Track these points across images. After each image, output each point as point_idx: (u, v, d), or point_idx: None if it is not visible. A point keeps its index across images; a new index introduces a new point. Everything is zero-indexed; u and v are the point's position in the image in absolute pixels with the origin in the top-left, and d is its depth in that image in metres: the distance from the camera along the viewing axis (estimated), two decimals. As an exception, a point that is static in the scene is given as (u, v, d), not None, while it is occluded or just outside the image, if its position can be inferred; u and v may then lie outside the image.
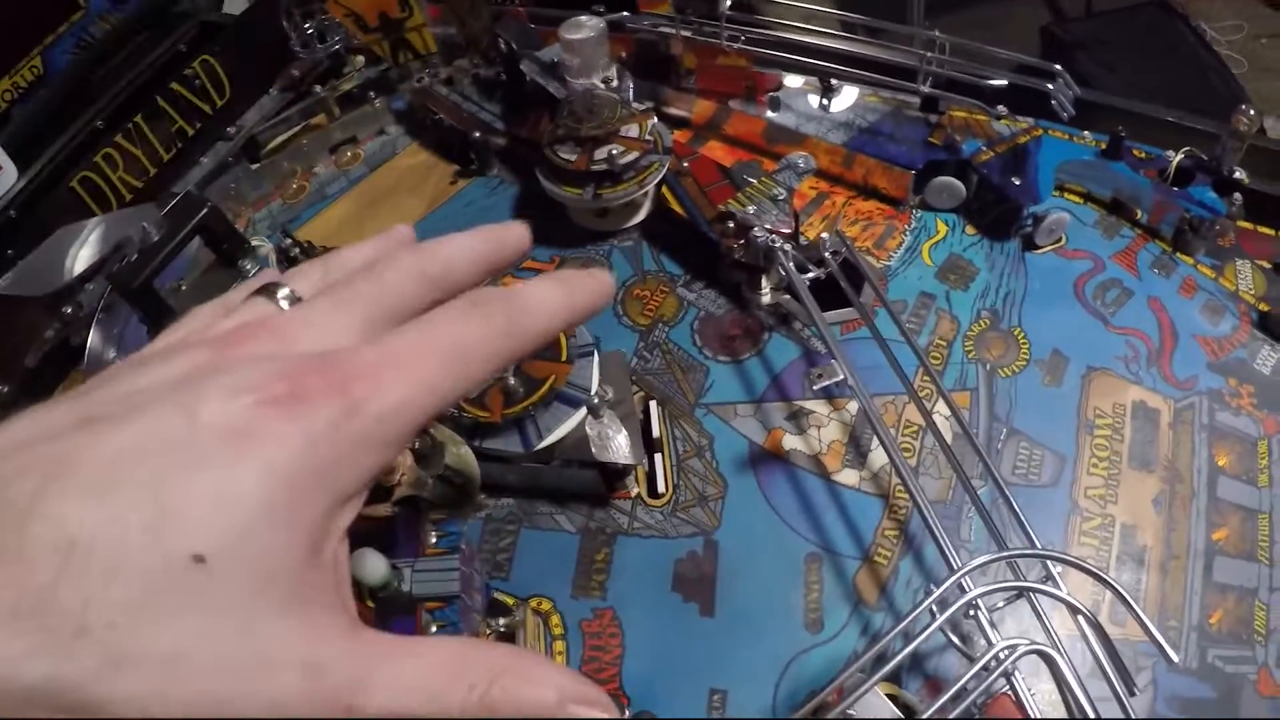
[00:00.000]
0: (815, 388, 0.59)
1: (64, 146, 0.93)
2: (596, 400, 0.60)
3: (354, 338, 0.26)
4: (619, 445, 0.59)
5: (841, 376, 0.59)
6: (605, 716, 0.25)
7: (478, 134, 0.80)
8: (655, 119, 0.73)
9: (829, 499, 0.63)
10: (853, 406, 0.66)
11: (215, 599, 0.20)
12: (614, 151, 0.69)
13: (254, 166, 0.88)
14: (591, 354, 0.62)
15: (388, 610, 0.49)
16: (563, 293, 0.29)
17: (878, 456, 0.64)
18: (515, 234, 0.32)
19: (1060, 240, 0.74)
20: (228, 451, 0.21)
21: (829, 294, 0.69)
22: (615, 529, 0.63)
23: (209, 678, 0.20)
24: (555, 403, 0.61)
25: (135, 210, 0.79)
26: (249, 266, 0.69)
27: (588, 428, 0.59)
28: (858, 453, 0.64)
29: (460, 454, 0.59)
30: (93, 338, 0.83)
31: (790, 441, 0.65)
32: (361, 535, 0.51)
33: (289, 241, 0.75)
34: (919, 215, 0.74)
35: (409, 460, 0.57)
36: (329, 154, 0.90)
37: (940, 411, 0.65)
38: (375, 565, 0.48)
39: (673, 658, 0.58)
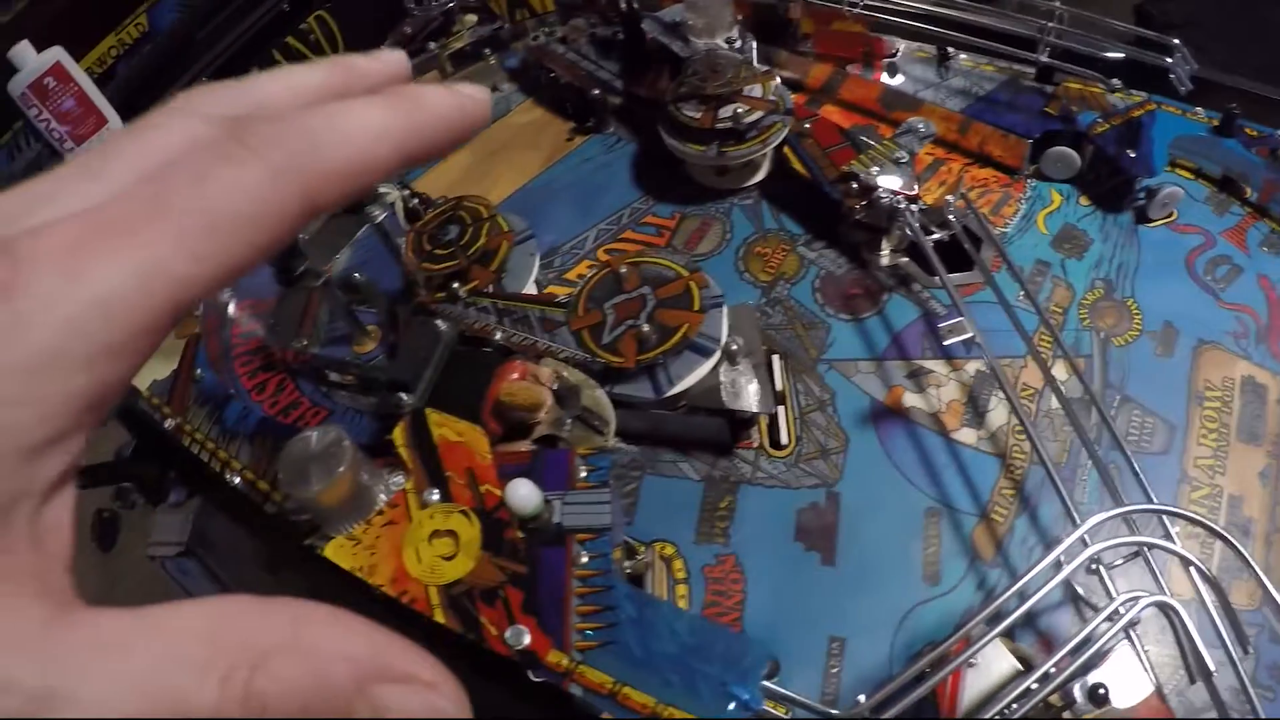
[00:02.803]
0: (945, 342, 0.60)
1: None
2: (733, 349, 0.62)
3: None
4: (750, 393, 0.61)
5: (971, 334, 0.60)
6: (420, 691, 0.19)
7: (597, 91, 0.81)
8: (778, 80, 0.74)
9: (948, 456, 0.64)
10: (970, 367, 0.67)
11: None
12: (739, 110, 0.71)
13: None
14: (721, 305, 0.63)
15: (538, 541, 0.50)
16: (392, 119, 0.21)
17: (995, 417, 0.65)
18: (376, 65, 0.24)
19: (1172, 215, 0.75)
20: None
21: (946, 257, 0.70)
22: (738, 478, 0.64)
23: None
24: (686, 351, 0.63)
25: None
26: (376, 213, 0.71)
27: (721, 374, 0.61)
28: (975, 412, 0.66)
29: (596, 396, 0.61)
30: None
31: (910, 399, 0.66)
32: (510, 469, 0.53)
33: (407, 193, 0.76)
34: (1033, 184, 0.75)
35: (549, 399, 0.59)
36: None
37: (1057, 375, 0.66)
38: (527, 495, 0.50)
39: (793, 604, 0.60)
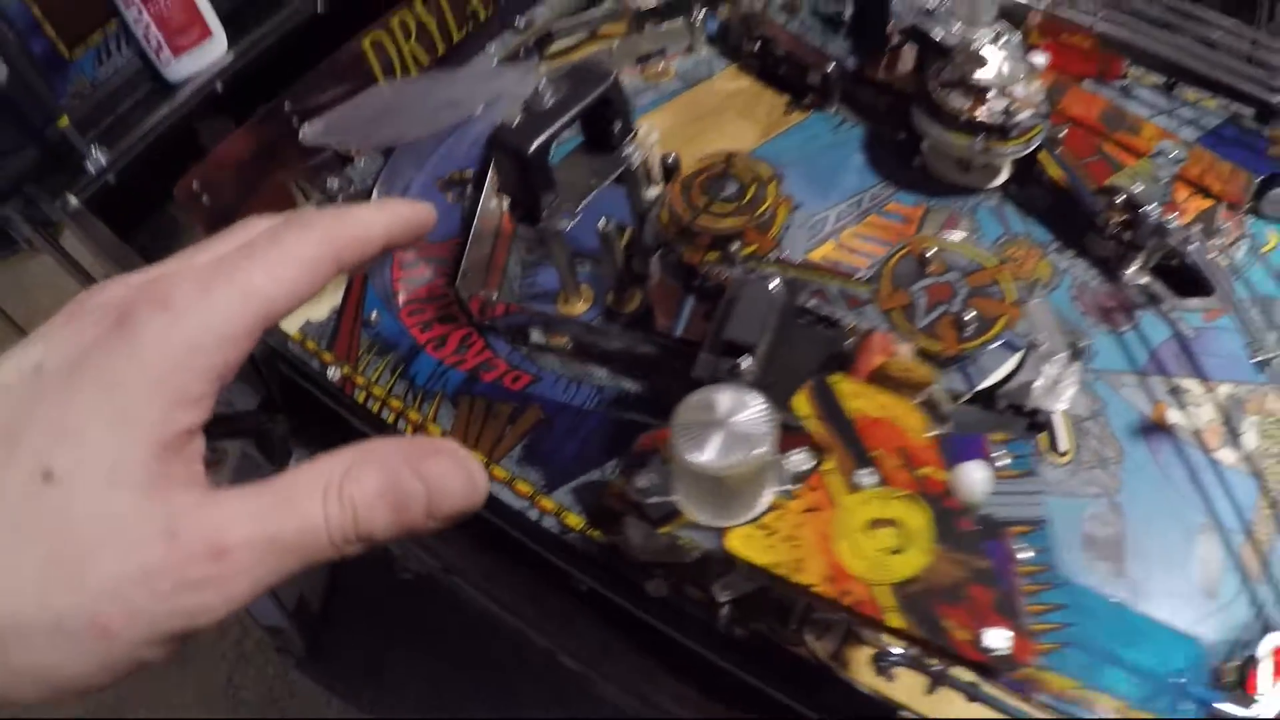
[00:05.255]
0: (1253, 360, 0.61)
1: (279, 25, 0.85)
2: (1041, 346, 0.60)
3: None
4: (1067, 394, 0.59)
5: (1276, 354, 0.61)
6: (453, 460, 0.28)
7: (830, 68, 0.78)
8: (1040, 80, 0.73)
9: (1212, 474, 0.64)
10: (1223, 390, 0.68)
11: (72, 501, 0.24)
12: (1011, 106, 0.69)
13: (542, 68, 0.82)
14: (1031, 300, 0.61)
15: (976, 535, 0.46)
16: (379, 215, 0.32)
17: (1249, 439, 0.66)
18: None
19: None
20: (66, 382, 0.25)
21: (1178, 282, 0.71)
22: (1023, 481, 0.62)
23: (82, 567, 0.23)
24: (995, 345, 0.60)
25: (471, 73, 0.72)
26: (635, 155, 0.64)
27: (1050, 368, 0.58)
28: (1231, 433, 0.66)
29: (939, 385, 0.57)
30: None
31: (1173, 415, 0.66)
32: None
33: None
34: (1251, 221, 0.77)
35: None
36: (635, 63, 0.85)
37: (1297, 407, 0.68)
38: (984, 480, 0.45)
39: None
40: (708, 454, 0.41)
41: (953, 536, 0.43)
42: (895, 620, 0.41)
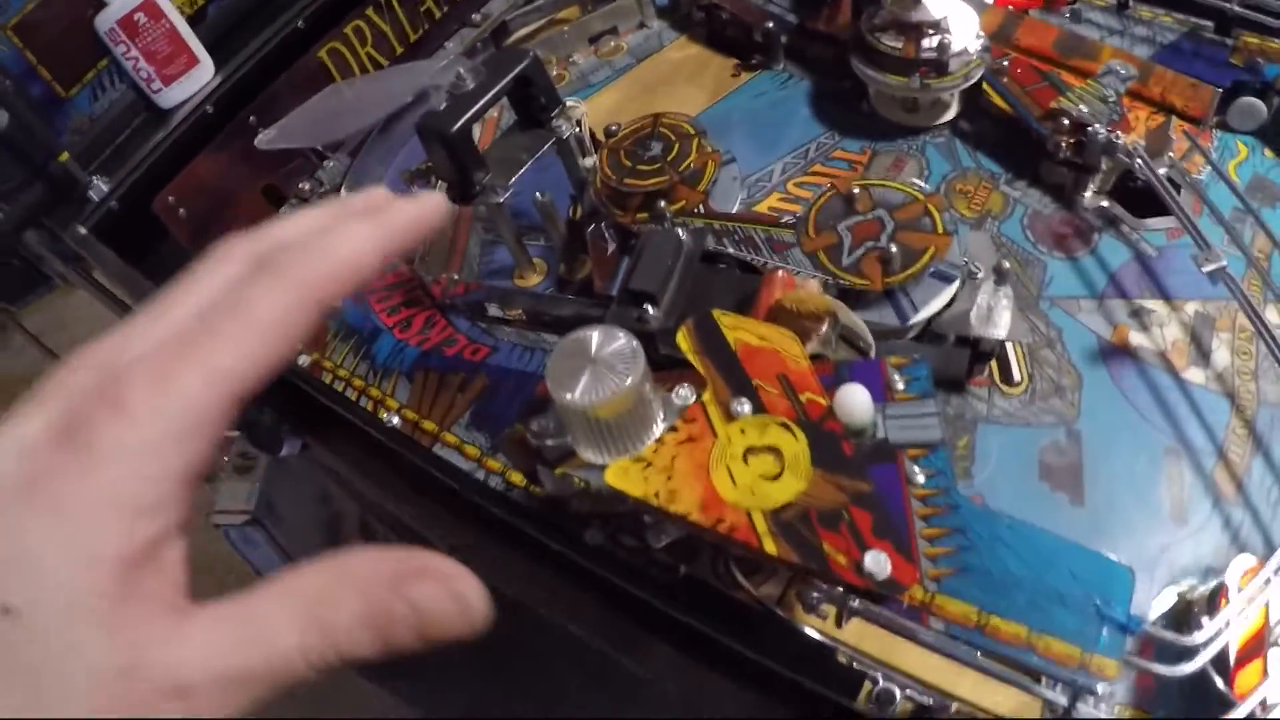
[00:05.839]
0: (1203, 270, 0.59)
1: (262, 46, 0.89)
2: (977, 274, 0.59)
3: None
4: (1003, 319, 0.58)
5: (1224, 263, 0.59)
6: (443, 581, 0.25)
7: (770, 25, 0.78)
8: (976, 13, 0.72)
9: (1180, 395, 0.62)
10: (1190, 308, 0.66)
11: (33, 637, 0.22)
12: (944, 41, 0.68)
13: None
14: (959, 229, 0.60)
15: (867, 459, 0.45)
16: (372, 232, 0.28)
17: (1220, 357, 0.64)
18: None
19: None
20: (21, 503, 0.23)
21: (1140, 202, 0.69)
22: (975, 416, 0.61)
23: (50, 704, 0.21)
24: (928, 277, 0.59)
25: (411, 66, 0.74)
26: (563, 128, 0.66)
27: (980, 296, 0.57)
28: (1199, 352, 0.64)
29: (853, 317, 0.57)
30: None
31: (1136, 338, 0.64)
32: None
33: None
34: (1218, 135, 0.74)
35: (838, 308, 0.54)
36: (589, 44, 0.87)
37: (1270, 319, 0.65)
38: (865, 402, 0.45)
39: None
40: (576, 391, 0.42)
41: (834, 460, 0.43)
42: (771, 546, 0.41)
